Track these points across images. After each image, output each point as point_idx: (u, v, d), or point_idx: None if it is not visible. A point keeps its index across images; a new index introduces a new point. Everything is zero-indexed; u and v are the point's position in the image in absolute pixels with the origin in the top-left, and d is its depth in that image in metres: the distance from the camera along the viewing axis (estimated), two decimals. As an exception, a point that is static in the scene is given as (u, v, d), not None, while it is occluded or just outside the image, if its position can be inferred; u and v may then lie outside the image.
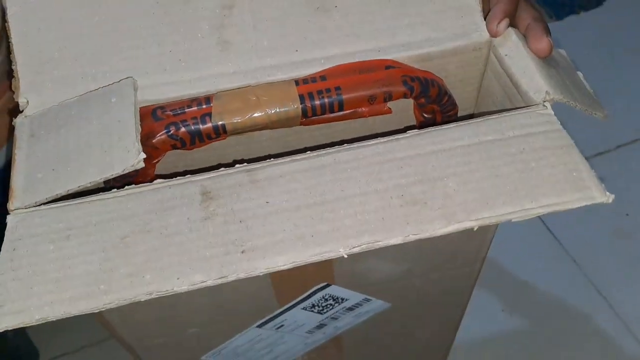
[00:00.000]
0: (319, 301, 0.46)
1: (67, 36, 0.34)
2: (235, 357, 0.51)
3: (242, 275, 0.27)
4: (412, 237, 0.29)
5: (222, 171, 0.29)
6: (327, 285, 0.44)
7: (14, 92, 0.35)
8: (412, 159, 0.32)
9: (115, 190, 0.29)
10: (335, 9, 0.36)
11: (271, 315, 0.46)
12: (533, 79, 0.36)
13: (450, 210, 0.30)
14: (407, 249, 0.42)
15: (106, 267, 0.26)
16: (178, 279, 0.26)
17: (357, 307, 0.49)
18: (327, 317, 0.49)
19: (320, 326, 0.50)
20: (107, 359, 0.79)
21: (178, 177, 0.29)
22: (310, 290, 0.44)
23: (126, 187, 0.29)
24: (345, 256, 0.28)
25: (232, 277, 0.26)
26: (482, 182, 0.32)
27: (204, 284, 0.26)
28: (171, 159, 0.35)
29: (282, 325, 0.48)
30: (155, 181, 0.29)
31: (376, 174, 0.30)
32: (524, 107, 0.34)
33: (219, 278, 0.26)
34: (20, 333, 0.76)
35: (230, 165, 0.29)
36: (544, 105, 0.34)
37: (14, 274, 0.26)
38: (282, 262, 0.27)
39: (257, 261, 0.27)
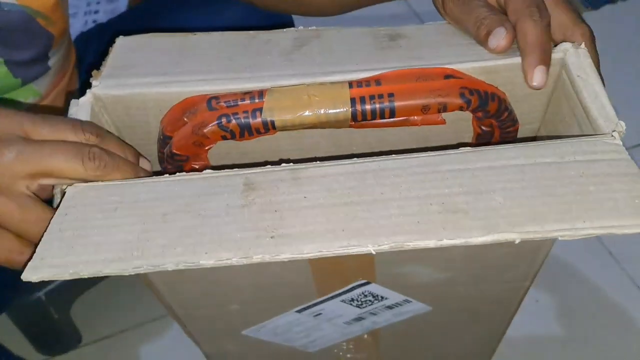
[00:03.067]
0: (358, 296, 0.46)
1: (154, 57, 0.37)
2: (274, 336, 0.52)
3: (266, 258, 0.28)
4: (447, 243, 0.28)
5: (268, 167, 0.30)
6: (368, 283, 0.44)
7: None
8: (459, 172, 0.31)
9: (167, 175, 0.31)
10: (401, 48, 0.36)
11: (310, 303, 0.47)
12: (604, 107, 0.34)
13: (493, 222, 0.30)
14: (451, 258, 0.42)
15: (143, 237, 0.28)
16: (206, 253, 0.28)
17: (396, 306, 0.49)
18: (365, 312, 0.49)
19: (359, 319, 0.51)
20: (144, 342, 0.84)
21: (226, 170, 0.30)
22: (350, 285, 0.44)
23: (177, 173, 0.30)
24: (373, 252, 0.28)
25: (256, 259, 0.28)
26: (532, 200, 0.31)
27: (229, 262, 0.28)
28: (223, 147, 0.36)
29: (320, 314, 0.49)
30: (204, 171, 0.30)
31: (419, 183, 0.30)
32: (592, 134, 0.33)
33: (244, 258, 0.28)
34: (64, 317, 0.82)
35: (277, 163, 0.30)
36: (612, 136, 0.32)
37: (60, 234, 0.29)
38: (308, 250, 0.28)
39: (283, 247, 0.28)
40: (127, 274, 0.28)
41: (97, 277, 0.88)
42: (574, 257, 0.89)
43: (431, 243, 0.28)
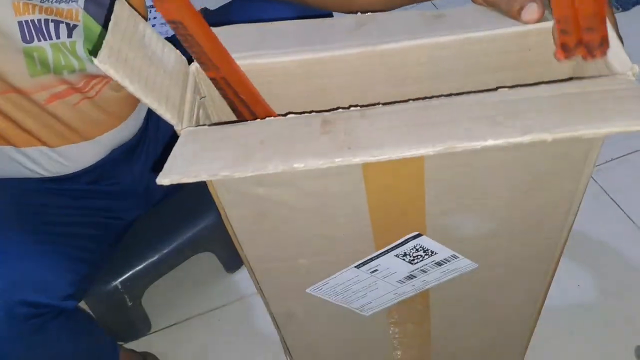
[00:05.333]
0: (410, 250, 0.52)
1: (240, 39, 0.46)
2: (334, 296, 0.58)
3: (345, 162, 0.35)
4: (491, 143, 0.35)
5: (340, 110, 0.37)
6: (419, 235, 0.50)
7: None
8: (501, 102, 0.38)
9: (258, 119, 0.39)
10: (446, 22, 0.44)
11: (368, 258, 0.53)
12: (620, 57, 0.40)
13: (528, 128, 0.36)
14: (496, 207, 0.47)
15: (246, 155, 0.36)
16: (298, 161, 0.35)
17: (445, 262, 0.54)
18: (417, 269, 0.55)
19: (410, 277, 0.56)
20: (208, 329, 0.91)
21: (306, 114, 0.38)
22: (404, 238, 0.51)
23: (266, 118, 0.38)
24: (432, 153, 0.35)
25: (337, 161, 0.35)
26: (560, 114, 0.37)
27: (316, 165, 0.35)
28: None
29: (376, 270, 0.55)
30: (288, 115, 0.38)
31: (467, 110, 0.37)
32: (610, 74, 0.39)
33: (329, 161, 0.35)
34: (137, 305, 0.89)
35: (347, 108, 0.38)
36: (627, 74, 0.38)
37: (182, 156, 0.38)
38: (378, 154, 0.35)
39: (358, 151, 0.35)
40: (236, 177, 0.36)
41: (167, 267, 0.94)
42: (614, 240, 0.92)
43: (478, 145, 0.35)
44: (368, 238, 0.50)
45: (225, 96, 0.43)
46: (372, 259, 0.53)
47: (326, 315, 0.63)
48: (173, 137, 0.41)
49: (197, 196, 0.88)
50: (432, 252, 0.53)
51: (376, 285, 0.57)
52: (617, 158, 1.02)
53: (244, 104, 0.43)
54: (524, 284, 0.59)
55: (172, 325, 0.93)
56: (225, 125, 0.38)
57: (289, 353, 0.77)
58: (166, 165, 0.35)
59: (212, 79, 0.42)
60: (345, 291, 0.58)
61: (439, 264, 0.55)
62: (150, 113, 0.76)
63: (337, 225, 0.48)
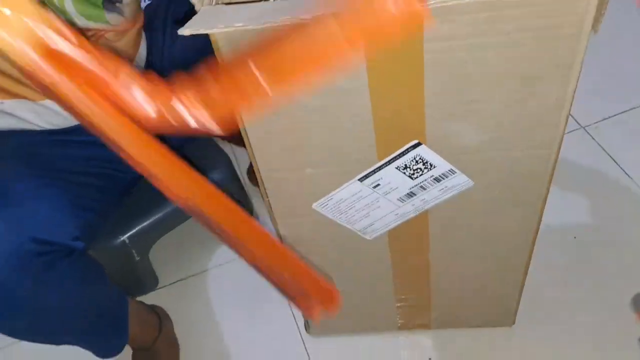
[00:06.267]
0: (410, 162, 0.56)
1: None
2: (339, 214, 0.62)
3: None
4: None
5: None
6: (419, 144, 0.54)
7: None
8: None
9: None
10: None
11: (371, 170, 0.56)
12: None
13: None
14: (489, 115, 0.51)
15: (259, 14, 0.41)
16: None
17: (443, 178, 0.58)
18: (416, 185, 0.58)
19: (410, 195, 0.60)
20: (214, 285, 0.94)
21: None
22: (404, 147, 0.54)
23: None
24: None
25: None
26: None
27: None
28: None
29: (378, 184, 0.58)
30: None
31: None
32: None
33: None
34: (144, 260, 0.91)
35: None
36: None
37: (201, 17, 0.43)
38: None
39: None
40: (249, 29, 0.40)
41: (174, 223, 0.97)
42: (610, 195, 0.95)
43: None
44: (370, 144, 0.54)
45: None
46: (374, 171, 0.57)
47: (330, 240, 0.66)
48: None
49: (205, 152, 0.92)
50: (431, 165, 0.56)
51: (378, 203, 0.61)
52: (613, 116, 1.06)
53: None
54: (518, 210, 0.62)
55: (178, 281, 0.96)
56: (240, 4, 0.43)
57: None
58: (188, 23, 0.39)
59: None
60: (349, 209, 0.61)
61: (437, 179, 0.58)
62: (150, 56, 0.78)
63: (342, 129, 0.52)
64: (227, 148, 0.98)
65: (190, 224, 0.98)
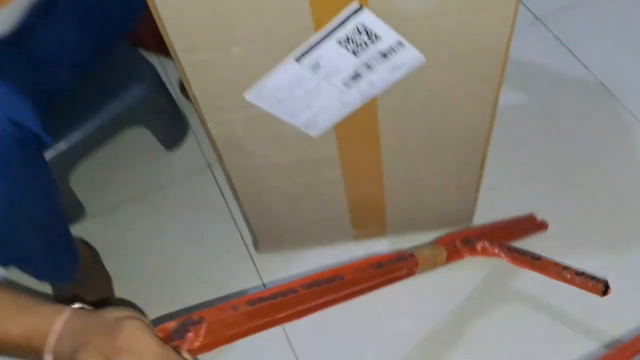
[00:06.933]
0: (353, 33, 0.48)
1: None
2: (276, 105, 0.54)
3: None
4: None
5: None
6: (361, 9, 0.46)
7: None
8: None
9: None
10: None
11: (308, 47, 0.48)
12: None
13: None
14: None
15: None
16: None
17: (391, 53, 0.51)
18: (362, 65, 0.51)
19: (356, 77, 0.52)
20: (144, 212, 0.86)
21: None
22: (345, 14, 0.46)
23: None
24: None
25: None
26: None
27: None
28: None
29: (318, 65, 0.51)
30: None
31: None
32: None
33: None
34: (65, 188, 0.82)
35: None
36: None
37: None
38: None
39: None
40: None
41: (93, 145, 0.87)
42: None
43: None
44: (304, 10, 0.45)
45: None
46: (313, 48, 0.49)
47: (272, 140, 0.59)
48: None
49: (128, 64, 0.81)
50: (376, 36, 0.49)
51: (320, 89, 0.53)
52: (569, 6, 1.01)
53: None
54: (473, 95, 0.56)
55: (106, 210, 0.87)
56: None
57: (245, 215, 0.73)
58: None
59: None
60: (288, 98, 0.54)
61: (384, 55, 0.51)
62: None
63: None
64: (156, 61, 0.87)
65: (119, 147, 0.88)
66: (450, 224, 0.79)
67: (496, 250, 0.70)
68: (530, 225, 0.79)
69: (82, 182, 0.85)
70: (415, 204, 0.73)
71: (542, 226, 0.78)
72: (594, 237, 0.77)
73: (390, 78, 0.54)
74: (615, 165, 0.84)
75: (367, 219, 0.75)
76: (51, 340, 0.38)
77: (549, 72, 0.95)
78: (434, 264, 0.65)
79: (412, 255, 0.61)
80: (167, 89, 0.85)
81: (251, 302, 0.44)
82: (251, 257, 0.80)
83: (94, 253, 0.79)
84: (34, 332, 0.39)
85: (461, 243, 0.70)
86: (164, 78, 0.87)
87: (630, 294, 0.71)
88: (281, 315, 0.46)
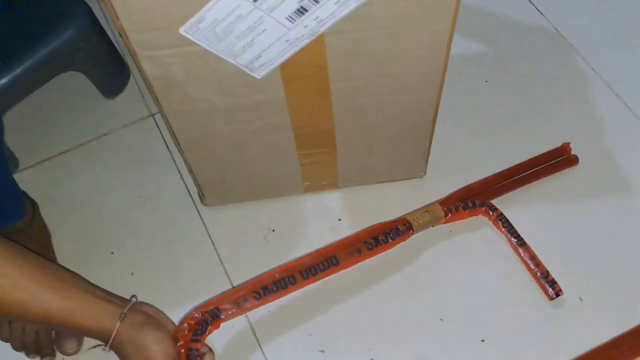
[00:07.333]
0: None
1: None
2: (216, 42, 0.50)
3: None
4: None
5: None
6: None
7: None
8: None
9: None
10: None
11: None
12: None
13: None
14: None
15: None
16: None
17: (338, -17, 0.47)
18: (308, -2, 0.48)
19: (301, 12, 0.49)
20: (83, 163, 0.80)
21: None
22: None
23: None
24: None
25: None
26: None
27: None
28: None
29: (260, -4, 0.47)
30: None
31: None
32: None
33: None
34: None
35: None
36: None
37: None
38: None
39: None
40: None
41: (21, 91, 0.81)
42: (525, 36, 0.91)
43: None
44: None
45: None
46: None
47: (214, 82, 0.55)
48: None
49: (53, 6, 0.74)
50: (322, -38, 0.45)
51: (263, 24, 0.49)
52: None
53: None
54: (426, 34, 0.53)
55: (42, 162, 0.81)
56: None
57: (188, 166, 0.69)
58: None
59: None
60: (228, 34, 0.50)
61: (332, -14, 0.47)
62: None
63: None
64: (94, 4, 0.80)
65: (51, 96, 0.82)
66: (402, 175, 0.77)
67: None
68: (562, 160, 0.79)
69: (13, 131, 0.79)
70: (367, 152, 0.70)
71: (573, 161, 0.78)
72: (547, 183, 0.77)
73: (339, 13, 0.50)
74: (569, 115, 0.83)
75: (317, 170, 0.72)
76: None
77: (506, 21, 0.93)
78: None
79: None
80: (104, 31, 0.79)
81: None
82: (197, 210, 0.76)
83: (33, 204, 0.73)
84: (100, 329, 0.55)
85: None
86: (102, 19, 0.81)
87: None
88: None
